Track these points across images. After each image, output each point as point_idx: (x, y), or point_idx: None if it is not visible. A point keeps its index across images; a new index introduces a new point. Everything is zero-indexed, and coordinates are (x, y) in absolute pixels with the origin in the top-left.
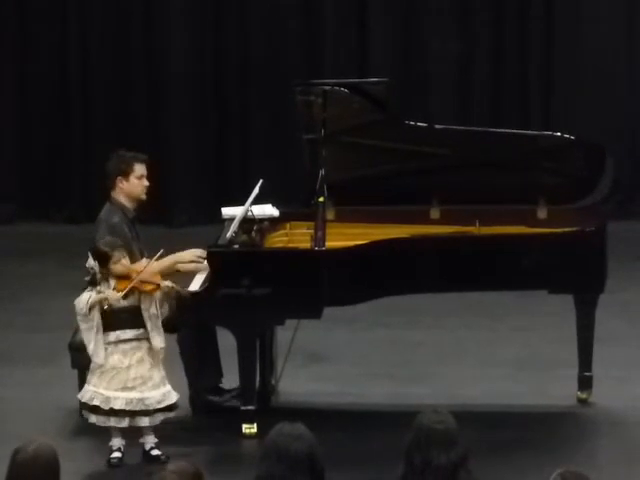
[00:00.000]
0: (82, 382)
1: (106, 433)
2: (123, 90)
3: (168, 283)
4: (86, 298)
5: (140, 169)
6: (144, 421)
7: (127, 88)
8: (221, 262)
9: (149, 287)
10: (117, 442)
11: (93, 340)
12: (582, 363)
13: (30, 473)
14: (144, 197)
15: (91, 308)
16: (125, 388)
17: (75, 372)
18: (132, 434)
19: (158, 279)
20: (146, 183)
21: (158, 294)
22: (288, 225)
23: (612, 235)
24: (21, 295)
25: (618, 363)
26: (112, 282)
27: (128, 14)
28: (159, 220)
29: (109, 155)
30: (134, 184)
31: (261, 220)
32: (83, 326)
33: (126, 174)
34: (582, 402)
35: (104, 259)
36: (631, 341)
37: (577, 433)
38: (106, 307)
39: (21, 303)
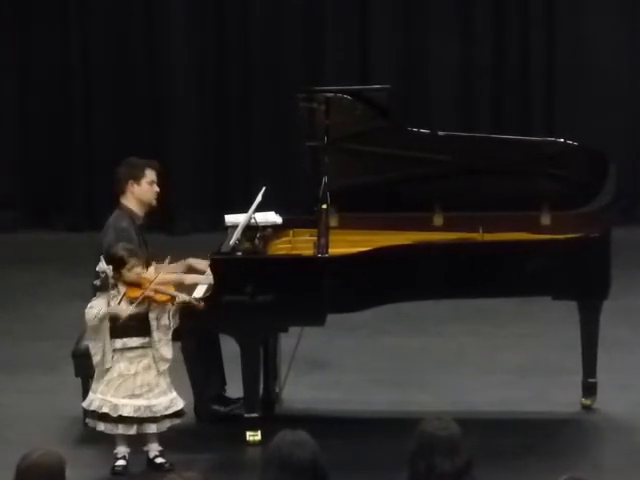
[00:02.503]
0: (86, 390)
1: (110, 441)
2: (125, 98)
3: (184, 296)
4: (95, 312)
5: (151, 175)
6: (151, 428)
7: (130, 95)
8: (224, 269)
9: (163, 298)
10: (122, 450)
11: (101, 350)
12: (586, 369)
13: (32, 479)
14: (155, 203)
15: (101, 320)
16: (132, 395)
17: (78, 380)
18: (136, 442)
19: (173, 291)
20: (156, 189)
21: (172, 306)
22: (291, 232)
23: (615, 241)
24: (23, 303)
25: (622, 369)
26: (122, 288)
27: (129, 21)
28: (161, 227)
29: (113, 162)
30: (145, 189)
31: (264, 227)
32: (92, 336)
33: (138, 179)
34: (586, 408)
35: (119, 264)
36: (635, 347)
37: (581, 439)
38: (119, 322)
39: (23, 311)
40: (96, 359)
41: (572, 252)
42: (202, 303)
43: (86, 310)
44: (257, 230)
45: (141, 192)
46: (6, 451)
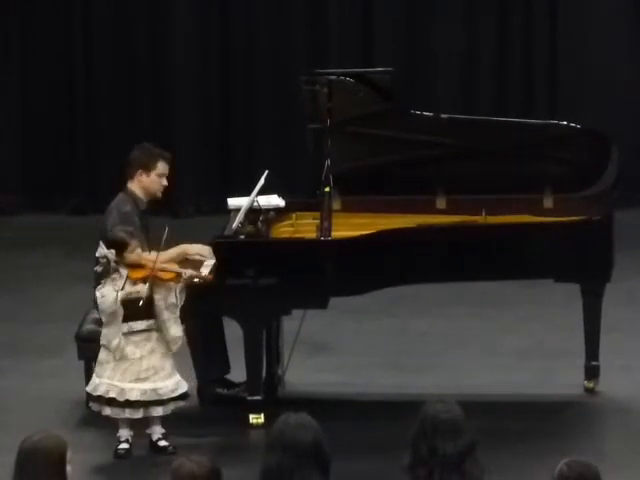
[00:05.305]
0: (89, 373)
1: (113, 424)
2: (128, 81)
3: (190, 271)
4: (113, 298)
5: (163, 167)
6: (157, 411)
7: (132, 79)
8: (227, 252)
9: (169, 276)
10: (125, 433)
11: (119, 335)
12: (589, 352)
13: (31, 462)
14: (160, 195)
15: (120, 303)
16: (139, 379)
17: (81, 363)
18: (139, 425)
19: (177, 267)
20: (165, 183)
21: (177, 284)
22: (294, 215)
23: (618, 224)
24: (26, 286)
25: (624, 352)
26: (123, 271)
27: (133, 2)
28: (165, 211)
29: (117, 145)
30: (154, 180)
31: (267, 210)
32: (110, 322)
33: (148, 169)
34: (589, 391)
35: (120, 247)
36: (637, 330)
37: (583, 422)
38: (141, 303)
39: (26, 294)
40: (114, 344)
41: (575, 235)
42: (210, 275)
43: (100, 300)
44: (260, 213)
45: (149, 183)
46: (9, 434)
